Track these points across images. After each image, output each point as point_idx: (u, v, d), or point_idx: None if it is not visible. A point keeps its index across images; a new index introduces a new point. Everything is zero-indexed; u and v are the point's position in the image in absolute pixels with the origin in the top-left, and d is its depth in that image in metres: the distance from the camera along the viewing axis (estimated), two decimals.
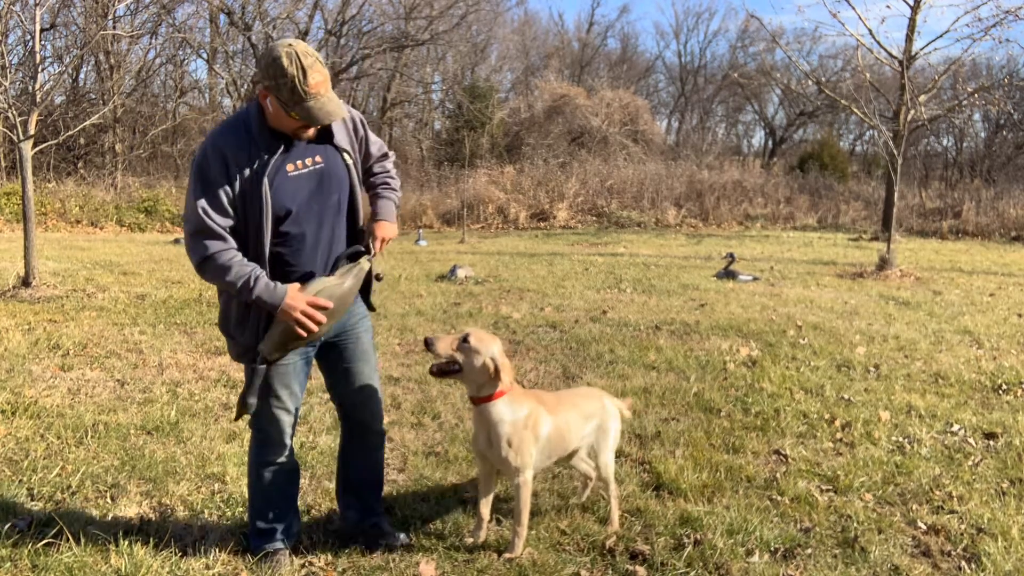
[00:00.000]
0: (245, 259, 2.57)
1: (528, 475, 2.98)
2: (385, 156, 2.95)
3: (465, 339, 2.86)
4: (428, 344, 2.85)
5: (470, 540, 3.10)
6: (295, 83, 2.42)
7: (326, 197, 2.69)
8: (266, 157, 2.55)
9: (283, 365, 2.75)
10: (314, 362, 2.93)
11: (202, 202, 2.53)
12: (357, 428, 3.03)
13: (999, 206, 20.18)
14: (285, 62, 2.41)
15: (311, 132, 2.62)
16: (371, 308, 2.99)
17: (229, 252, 2.55)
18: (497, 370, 2.86)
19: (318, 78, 2.44)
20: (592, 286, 9.73)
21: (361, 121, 2.83)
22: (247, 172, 2.54)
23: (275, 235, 2.61)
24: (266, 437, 2.85)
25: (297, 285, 2.59)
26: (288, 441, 2.87)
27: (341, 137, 2.73)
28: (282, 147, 2.58)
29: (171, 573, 2.81)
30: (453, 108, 29.11)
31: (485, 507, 3.11)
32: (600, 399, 3.34)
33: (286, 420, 2.83)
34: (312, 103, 2.46)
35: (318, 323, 2.57)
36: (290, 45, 2.44)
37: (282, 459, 2.88)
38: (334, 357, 2.90)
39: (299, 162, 2.63)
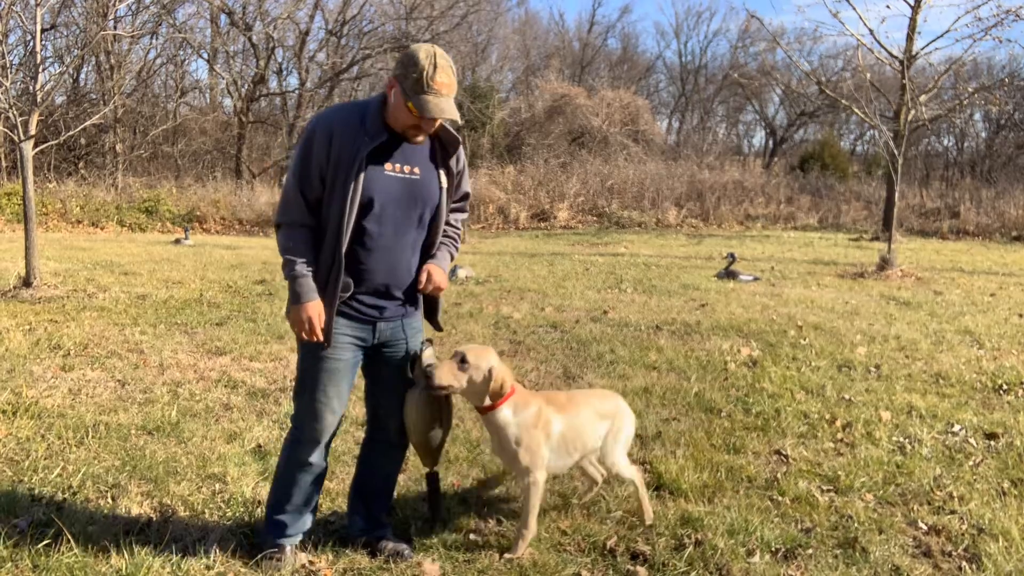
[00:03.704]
0: (310, 247, 2.70)
1: (539, 476, 2.98)
2: (466, 197, 3.00)
3: (463, 360, 2.88)
4: (428, 377, 2.83)
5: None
6: (422, 74, 2.54)
7: (411, 208, 2.75)
8: (368, 141, 2.62)
9: (336, 360, 2.76)
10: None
11: (295, 174, 2.69)
12: (382, 437, 3.00)
13: (1000, 206, 20.18)
14: (421, 56, 2.56)
15: (421, 138, 2.70)
16: (438, 328, 3.05)
17: (302, 230, 2.70)
18: (496, 379, 2.90)
19: (444, 79, 2.57)
20: (593, 286, 9.72)
21: (464, 161, 2.91)
22: (347, 151, 2.62)
23: (355, 229, 2.67)
24: (302, 435, 2.83)
25: (320, 303, 2.67)
26: (324, 441, 2.86)
27: (447, 163, 2.81)
28: (387, 138, 2.65)
29: (171, 573, 2.81)
30: None
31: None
32: (615, 400, 3.37)
33: (330, 420, 2.82)
34: (430, 96, 2.55)
35: (318, 339, 2.70)
36: (433, 47, 2.60)
37: (314, 459, 2.86)
38: (379, 364, 2.91)
39: (398, 165, 2.70)
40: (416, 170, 2.74)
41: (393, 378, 2.91)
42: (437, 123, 2.68)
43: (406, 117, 2.62)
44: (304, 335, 2.70)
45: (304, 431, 2.83)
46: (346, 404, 2.87)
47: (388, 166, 2.69)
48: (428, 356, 2.86)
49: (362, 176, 2.62)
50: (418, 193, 2.75)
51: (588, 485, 3.53)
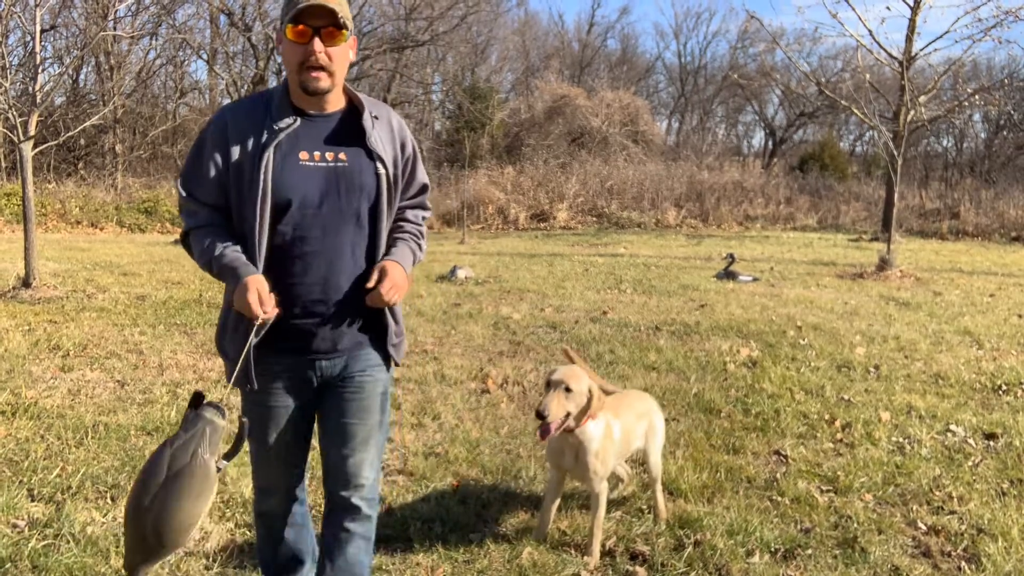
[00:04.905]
0: (230, 235, 2.21)
1: (605, 484, 3.05)
2: (424, 190, 2.44)
3: (568, 389, 2.84)
4: (542, 416, 2.78)
5: (536, 540, 3.12)
6: None
7: (341, 201, 2.20)
8: (275, 128, 2.15)
9: (272, 406, 2.31)
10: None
11: (183, 176, 2.25)
12: (329, 498, 2.41)
13: (999, 206, 20.20)
14: None
15: (322, 77, 2.12)
16: (389, 362, 2.40)
17: (212, 228, 2.22)
18: (600, 398, 2.91)
19: None
20: (592, 287, 9.73)
21: (413, 146, 2.38)
22: (249, 142, 2.15)
23: (272, 236, 2.17)
24: (257, 482, 2.43)
25: (261, 276, 2.14)
26: (282, 494, 2.41)
27: (378, 143, 2.24)
28: (299, 123, 2.17)
29: (171, 573, 2.81)
30: (453, 109, 29.12)
31: (551, 512, 3.15)
32: (648, 399, 3.43)
33: (278, 470, 2.38)
34: (301, 4, 2.09)
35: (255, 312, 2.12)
36: None
37: (273, 510, 2.43)
38: (329, 407, 2.35)
39: (316, 152, 2.19)
40: (342, 156, 2.20)
41: (339, 426, 2.33)
42: (337, 64, 2.14)
43: (291, 52, 2.12)
44: (250, 313, 2.11)
45: (258, 479, 2.41)
46: (306, 451, 2.41)
47: (304, 155, 2.17)
48: (209, 419, 2.04)
49: (270, 171, 2.13)
50: (348, 183, 2.20)
51: (614, 483, 3.57)
